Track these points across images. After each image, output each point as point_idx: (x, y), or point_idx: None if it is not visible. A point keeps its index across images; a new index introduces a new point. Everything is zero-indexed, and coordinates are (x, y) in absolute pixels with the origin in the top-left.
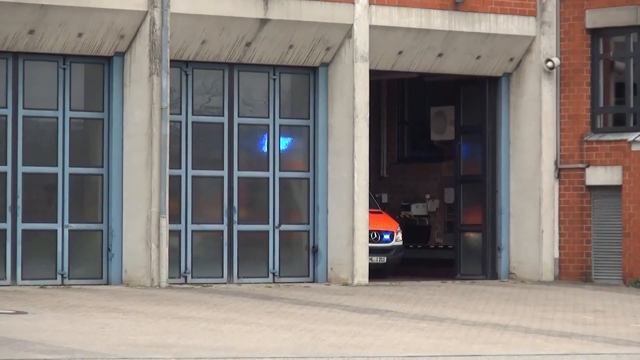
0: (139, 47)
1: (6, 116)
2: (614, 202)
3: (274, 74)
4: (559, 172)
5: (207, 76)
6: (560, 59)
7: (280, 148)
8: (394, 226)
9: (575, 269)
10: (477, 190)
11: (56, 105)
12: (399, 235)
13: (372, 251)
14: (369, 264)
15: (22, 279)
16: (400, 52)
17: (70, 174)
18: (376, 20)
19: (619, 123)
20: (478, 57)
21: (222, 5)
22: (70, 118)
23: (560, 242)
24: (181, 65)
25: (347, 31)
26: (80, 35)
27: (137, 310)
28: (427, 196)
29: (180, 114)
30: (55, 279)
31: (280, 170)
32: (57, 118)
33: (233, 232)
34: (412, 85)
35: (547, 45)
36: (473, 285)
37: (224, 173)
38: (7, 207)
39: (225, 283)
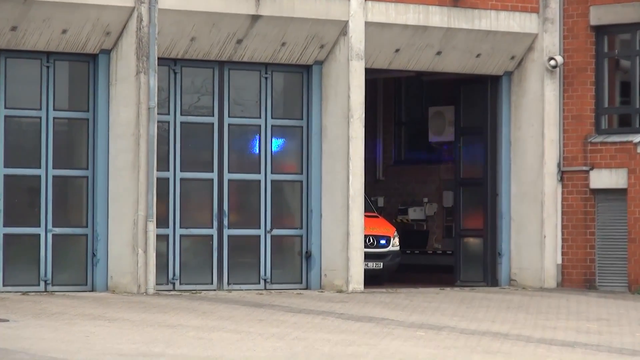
0: (126, 44)
1: None
2: (619, 206)
3: (266, 73)
4: (562, 175)
5: (197, 75)
6: (563, 57)
7: (272, 149)
8: (391, 231)
9: (579, 276)
10: (477, 194)
11: (39, 105)
12: (396, 240)
13: (368, 257)
14: (365, 270)
15: (4, 285)
16: (397, 50)
17: (54, 176)
18: (372, 16)
19: (625, 124)
20: (478, 55)
21: (212, 0)
22: (54, 118)
23: (563, 247)
24: (169, 63)
25: (342, 28)
26: (64, 31)
27: (123, 318)
28: (425, 200)
29: (169, 114)
30: (38, 285)
31: (272, 173)
32: (40, 118)
33: (223, 236)
34: (409, 84)
35: (550, 43)
36: (472, 292)
37: (214, 175)
38: None
39: (214, 290)
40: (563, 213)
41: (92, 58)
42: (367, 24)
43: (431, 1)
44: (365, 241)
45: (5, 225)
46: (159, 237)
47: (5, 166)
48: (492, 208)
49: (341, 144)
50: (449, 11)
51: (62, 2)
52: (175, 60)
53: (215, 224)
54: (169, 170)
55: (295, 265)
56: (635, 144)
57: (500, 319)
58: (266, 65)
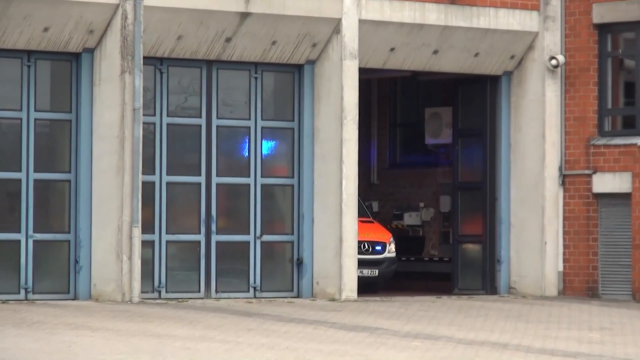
0: (110, 43)
1: None
2: (623, 211)
3: (256, 72)
4: (564, 179)
5: (184, 74)
6: (565, 57)
7: (263, 152)
8: (387, 237)
9: (581, 283)
10: (476, 198)
11: (20, 106)
12: (392, 247)
13: (363, 263)
14: (360, 277)
15: None
16: (392, 49)
17: (34, 180)
18: (366, 14)
19: (629, 126)
20: (476, 55)
21: None
22: (35, 119)
23: (564, 254)
24: (155, 63)
25: (335, 26)
26: (46, 29)
27: (107, 328)
28: (421, 204)
29: (154, 115)
30: (19, 293)
31: (262, 176)
32: (21, 119)
33: (211, 243)
34: (405, 84)
35: (551, 42)
36: (470, 300)
37: (202, 179)
38: None
39: (202, 298)
40: (565, 218)
41: (75, 57)
42: (361, 22)
43: None
44: (360, 247)
45: None
46: (144, 243)
47: None
48: (491, 213)
49: (334, 146)
50: (446, 8)
51: None
52: (161, 60)
53: (202, 229)
54: (154, 174)
55: (286, 272)
56: None
57: (499, 328)
58: (256, 64)
